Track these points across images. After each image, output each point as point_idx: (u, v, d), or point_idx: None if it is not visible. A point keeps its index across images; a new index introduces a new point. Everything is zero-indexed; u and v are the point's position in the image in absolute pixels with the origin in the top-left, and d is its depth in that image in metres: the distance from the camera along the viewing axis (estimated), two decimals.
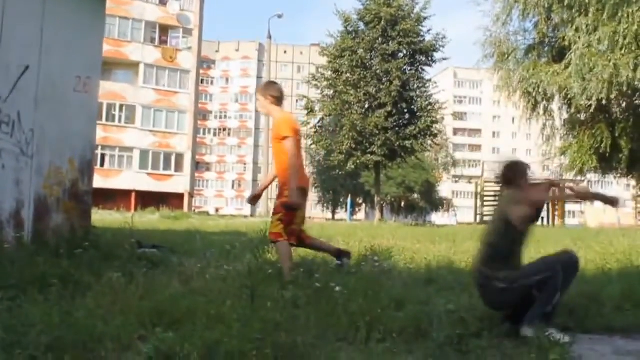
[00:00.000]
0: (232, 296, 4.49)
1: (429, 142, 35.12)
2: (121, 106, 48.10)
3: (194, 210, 54.65)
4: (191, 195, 51.13)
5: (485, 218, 40.54)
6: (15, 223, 7.31)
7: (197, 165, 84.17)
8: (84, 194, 8.53)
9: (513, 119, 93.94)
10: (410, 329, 4.26)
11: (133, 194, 45.89)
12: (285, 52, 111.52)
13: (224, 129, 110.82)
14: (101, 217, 17.65)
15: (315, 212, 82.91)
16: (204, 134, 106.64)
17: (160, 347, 3.20)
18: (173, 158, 49.73)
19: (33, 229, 7.55)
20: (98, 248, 7.13)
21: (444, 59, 35.17)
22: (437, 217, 75.10)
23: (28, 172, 7.52)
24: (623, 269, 7.33)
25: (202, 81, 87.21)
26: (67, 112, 8.19)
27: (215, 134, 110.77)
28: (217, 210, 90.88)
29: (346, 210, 69.21)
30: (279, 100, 6.38)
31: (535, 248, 10.65)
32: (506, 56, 30.79)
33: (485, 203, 40.34)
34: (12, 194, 7.31)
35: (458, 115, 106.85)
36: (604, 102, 25.95)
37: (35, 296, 4.28)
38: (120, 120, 48.12)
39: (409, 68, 34.16)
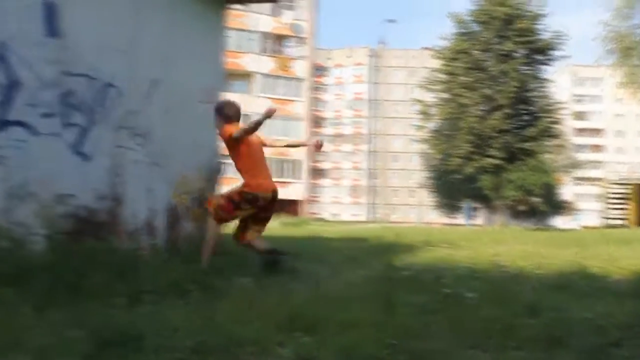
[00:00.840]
0: (364, 301, 4.51)
1: (549, 143, 34.11)
2: None
3: (311, 217, 55.35)
4: (308, 202, 51.81)
5: (611, 221, 38.88)
6: (149, 231, 7.66)
7: (313, 172, 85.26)
8: None
9: (638, 117, 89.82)
10: (545, 337, 4.12)
11: None
12: (398, 56, 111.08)
13: (339, 136, 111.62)
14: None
15: (431, 217, 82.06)
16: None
17: (299, 351, 3.27)
18: (290, 165, 50.57)
19: (166, 236, 7.88)
20: (227, 254, 7.35)
21: (563, 57, 34.10)
22: (558, 221, 72.50)
23: (159, 181, 7.85)
24: None
25: (315, 89, 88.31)
26: (194, 123, 8.50)
27: (329, 141, 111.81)
28: (335, 216, 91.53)
29: (464, 215, 68.04)
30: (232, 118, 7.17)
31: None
32: (630, 51, 29.46)
33: (610, 205, 38.67)
34: (146, 203, 7.66)
35: (578, 115, 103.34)
36: None
37: (175, 301, 4.46)
38: None
39: (526, 68, 33.34)
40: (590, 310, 4.85)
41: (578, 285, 6.29)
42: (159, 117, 7.88)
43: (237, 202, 6.92)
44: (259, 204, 6.94)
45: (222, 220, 6.99)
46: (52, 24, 6.31)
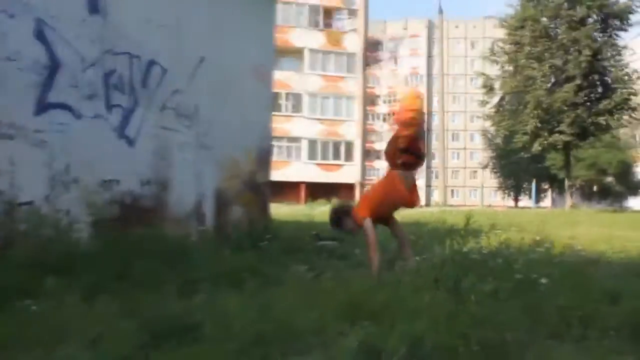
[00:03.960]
0: (431, 288, 4.48)
1: (626, 117, 33.28)
2: (287, 95, 49.53)
3: None
4: (362, 185, 51.73)
5: None
6: (197, 216, 7.75)
7: (367, 154, 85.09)
8: (262, 186, 8.88)
9: None
10: (629, 327, 4.03)
11: (302, 186, 47.15)
12: (457, 27, 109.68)
13: (394, 114, 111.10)
14: (275, 209, 18.28)
15: (495, 200, 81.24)
16: (373, 120, 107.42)
17: (365, 341, 3.25)
18: (342, 147, 50.54)
19: (215, 222, 7.96)
20: (279, 241, 7.40)
21: None
22: (636, 203, 70.98)
23: (208, 164, 7.92)
24: None
25: (369, 64, 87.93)
26: (243, 102, 8.55)
27: (384, 120, 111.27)
28: None
29: (530, 197, 67.17)
30: None
31: None
32: None
33: None
34: (194, 187, 7.74)
35: None
36: None
37: (229, 290, 4.50)
38: (286, 110, 49.55)
39: (600, 35, 32.55)
40: None
41: None
42: (206, 96, 7.94)
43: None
44: None
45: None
46: (94, 0, 6.39)
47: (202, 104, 7.84)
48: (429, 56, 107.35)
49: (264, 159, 8.92)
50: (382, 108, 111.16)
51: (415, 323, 3.50)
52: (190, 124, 7.70)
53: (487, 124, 36.47)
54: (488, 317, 3.80)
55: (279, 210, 20.13)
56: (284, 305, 3.89)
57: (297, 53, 50.19)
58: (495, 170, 73.31)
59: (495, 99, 34.96)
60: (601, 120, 31.24)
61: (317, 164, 49.68)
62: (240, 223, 8.17)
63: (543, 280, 4.88)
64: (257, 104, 8.79)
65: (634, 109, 33.18)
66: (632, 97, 32.19)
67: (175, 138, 7.44)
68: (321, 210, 25.15)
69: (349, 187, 49.33)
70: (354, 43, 52.04)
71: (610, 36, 32.57)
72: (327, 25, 51.85)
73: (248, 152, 8.60)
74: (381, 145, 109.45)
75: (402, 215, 19.49)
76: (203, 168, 7.84)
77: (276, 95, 48.60)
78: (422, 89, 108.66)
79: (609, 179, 67.81)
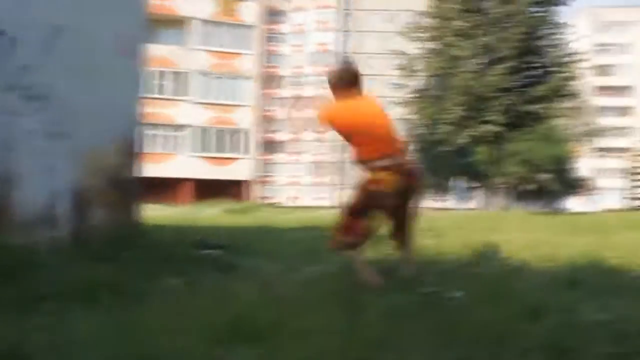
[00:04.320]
0: (324, 304, 4.53)
1: (564, 105, 34.43)
2: (170, 74, 49.05)
3: (263, 201, 55.37)
4: (258, 183, 51.77)
5: (637, 202, 39.63)
6: (49, 220, 7.58)
7: (266, 146, 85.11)
8: (130, 183, 8.76)
9: None
10: (550, 346, 4.19)
11: (188, 183, 46.81)
12: None
13: (298, 98, 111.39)
14: (151, 211, 18.09)
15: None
16: (274, 105, 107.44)
17: None
18: (236, 137, 50.43)
19: (70, 226, 7.80)
20: (151, 249, 7.32)
21: None
22: (575, 203, 73.57)
23: (63, 157, 7.75)
24: None
25: (269, 39, 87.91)
26: (106, 82, 8.38)
27: (286, 105, 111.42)
28: (291, 200, 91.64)
29: (455, 197, 68.72)
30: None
31: None
32: None
33: (636, 183, 39.34)
34: (45, 184, 7.56)
35: (601, 70, 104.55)
36: None
37: (81, 309, 4.43)
38: (169, 92, 49.08)
39: (536, 9, 33.52)
40: (608, 312, 4.94)
41: (594, 282, 6.41)
42: (62, 74, 7.76)
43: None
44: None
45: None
46: None
47: (56, 83, 7.67)
48: (342, 31, 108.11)
49: (132, 151, 8.79)
50: (284, 91, 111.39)
51: (303, 345, 3.53)
52: (41, 107, 7.52)
53: (406, 111, 36.93)
54: (388, 338, 3.87)
55: (157, 212, 19.93)
56: (146, 328, 3.86)
57: (183, 24, 49.79)
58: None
59: (417, 82, 35.50)
60: (535, 108, 32.14)
61: (206, 157, 49.42)
62: (103, 228, 8.04)
63: (456, 294, 5.01)
64: (125, 84, 8.66)
65: (571, 96, 34.29)
66: (570, 82, 33.25)
67: (22, 124, 7.26)
68: (209, 213, 25.07)
69: (243, 184, 49.31)
70: (251, 13, 52.03)
71: (547, 11, 33.57)
72: None
73: (113, 142, 8.45)
74: (282, 136, 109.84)
75: (307, 217, 19.57)
76: (56, 161, 7.67)
77: (157, 75, 48.02)
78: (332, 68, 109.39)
79: (546, 176, 69.97)
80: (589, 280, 6.47)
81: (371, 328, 4.04)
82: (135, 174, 8.84)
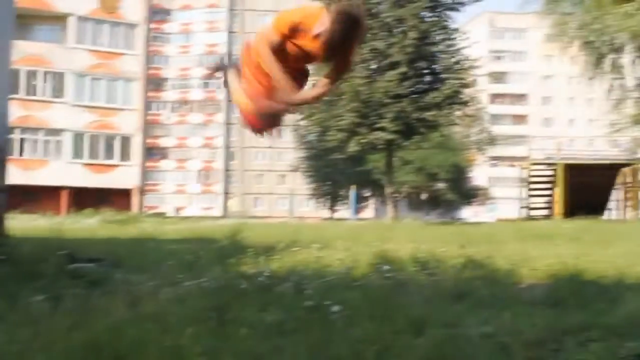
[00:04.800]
0: (195, 322, 4.47)
1: (458, 112, 35.03)
2: (45, 74, 47.89)
3: (147, 211, 54.65)
4: (142, 192, 51.07)
5: (534, 212, 40.70)
6: None
7: (150, 152, 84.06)
8: None
9: (570, 79, 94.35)
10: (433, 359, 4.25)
11: (64, 192, 45.79)
12: None
13: (185, 103, 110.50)
14: (20, 222, 17.64)
15: (307, 210, 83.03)
16: (159, 109, 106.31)
17: None
18: (117, 142, 49.61)
19: None
20: (14, 264, 7.11)
21: (477, 1, 35.11)
22: (470, 213, 75.14)
23: None
24: None
25: (154, 38, 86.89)
26: None
27: (173, 109, 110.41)
28: (177, 210, 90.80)
29: (348, 207, 69.17)
30: None
31: (600, 248, 10.70)
32: None
33: (533, 192, 40.38)
34: None
35: (496, 76, 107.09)
36: None
37: None
38: (44, 93, 47.91)
39: (430, 14, 34.06)
40: (492, 325, 5.04)
41: (480, 293, 6.52)
42: None
43: None
44: None
45: None
46: None
47: None
48: (230, 32, 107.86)
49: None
50: (170, 94, 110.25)
51: None
52: None
53: (297, 117, 36.98)
54: (263, 356, 3.84)
55: (28, 223, 19.43)
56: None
57: (60, 20, 48.69)
58: (308, 173, 74.75)
59: None
60: (429, 115, 32.52)
61: (85, 164, 48.40)
62: None
63: (337, 308, 5.02)
64: None
65: (465, 104, 34.89)
66: (464, 89, 33.81)
67: None
68: (87, 223, 24.57)
69: (126, 194, 48.53)
70: (134, 11, 51.28)
71: (440, 17, 34.10)
72: None
73: None
74: (168, 142, 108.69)
75: (191, 228, 19.39)
76: None
77: (30, 75, 46.86)
78: (220, 72, 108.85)
79: (441, 185, 71.15)
80: (475, 292, 6.59)
81: (245, 345, 4.00)
82: (1, 183, 8.60)
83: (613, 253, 9.76)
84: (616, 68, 31.19)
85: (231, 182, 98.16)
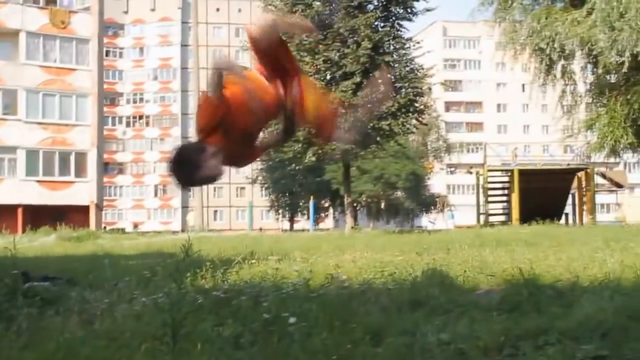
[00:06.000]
0: (149, 338, 4.44)
1: (413, 121, 35.17)
2: None
3: (104, 228, 54.22)
4: (99, 208, 50.69)
5: (491, 218, 41.02)
6: None
7: (106, 167, 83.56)
8: None
9: (523, 86, 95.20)
10: None
11: (19, 210, 45.28)
12: (217, 9, 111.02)
13: (141, 117, 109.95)
14: None
15: (267, 222, 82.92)
16: (114, 124, 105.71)
17: None
18: (72, 159, 49.17)
19: None
20: None
21: (428, 10, 35.25)
22: (428, 220, 75.47)
23: None
24: None
25: (107, 53, 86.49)
26: None
27: (129, 124, 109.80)
28: (136, 225, 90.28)
29: (308, 218, 69.18)
30: None
31: (555, 253, 10.80)
32: (510, 2, 30.86)
33: (489, 198, 40.61)
34: None
35: (451, 85, 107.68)
36: None
37: None
38: None
39: (383, 24, 34.21)
40: (449, 331, 5.06)
41: (438, 301, 6.55)
42: None
43: None
44: None
45: None
46: None
47: None
48: (184, 45, 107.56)
49: None
50: (125, 109, 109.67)
51: None
52: None
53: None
54: None
55: None
56: None
57: (10, 36, 48.19)
58: (266, 185, 74.70)
59: None
60: (384, 125, 32.54)
61: (39, 181, 47.88)
62: None
63: (294, 320, 5.02)
64: None
65: (420, 112, 35.04)
66: (418, 98, 33.96)
67: None
68: (43, 241, 24.32)
69: (83, 210, 48.08)
70: (86, 26, 50.89)
71: (393, 26, 34.23)
72: (50, 1, 50.32)
73: None
74: (124, 157, 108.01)
75: (149, 243, 19.27)
76: None
77: None
78: (176, 87, 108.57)
79: (399, 194, 71.38)
80: (433, 300, 6.62)
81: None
82: None
83: (568, 257, 9.84)
84: (567, 74, 31.48)
85: (189, 195, 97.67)
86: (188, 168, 4.18)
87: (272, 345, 4.52)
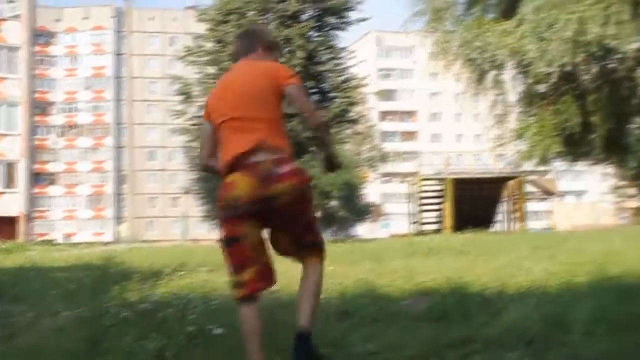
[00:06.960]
0: (70, 354, 4.38)
1: (348, 131, 35.34)
2: None
3: (35, 239, 53.42)
4: (29, 219, 49.92)
5: (425, 227, 41.34)
6: None
7: (38, 178, 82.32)
8: None
9: (456, 97, 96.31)
10: None
11: None
12: (152, 19, 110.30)
13: (73, 127, 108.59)
14: None
15: (200, 232, 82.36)
16: (45, 134, 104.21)
17: None
18: (1, 169, 48.42)
19: None
20: None
21: (362, 20, 35.48)
22: (364, 230, 75.71)
23: None
24: (594, 284, 7.55)
25: (39, 62, 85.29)
26: None
27: (60, 134, 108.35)
28: (67, 237, 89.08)
29: None
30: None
31: (484, 261, 10.92)
32: (442, 13, 31.11)
33: (423, 207, 40.88)
34: None
35: (385, 94, 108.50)
36: (568, 68, 26.57)
37: None
38: None
39: (316, 34, 34.35)
40: (376, 341, 5.07)
41: (365, 311, 6.56)
42: None
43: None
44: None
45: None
46: None
47: None
48: (118, 54, 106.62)
49: None
50: (57, 119, 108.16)
51: None
52: None
53: (188, 139, 36.70)
54: None
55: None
56: None
57: None
58: (201, 196, 74.28)
59: (195, 109, 35.31)
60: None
61: None
62: None
63: (219, 331, 4.99)
64: None
65: (354, 122, 35.25)
66: (352, 107, 34.17)
67: None
68: None
69: (12, 222, 47.34)
70: (16, 34, 50.22)
71: (327, 36, 34.40)
72: None
73: None
74: (56, 167, 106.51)
75: (78, 256, 18.94)
76: None
77: None
78: (110, 96, 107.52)
79: (333, 203, 71.44)
80: (361, 310, 6.63)
81: None
82: None
83: (496, 265, 9.95)
84: (498, 84, 31.74)
85: (123, 206, 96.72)
86: None
87: (196, 358, 4.49)
